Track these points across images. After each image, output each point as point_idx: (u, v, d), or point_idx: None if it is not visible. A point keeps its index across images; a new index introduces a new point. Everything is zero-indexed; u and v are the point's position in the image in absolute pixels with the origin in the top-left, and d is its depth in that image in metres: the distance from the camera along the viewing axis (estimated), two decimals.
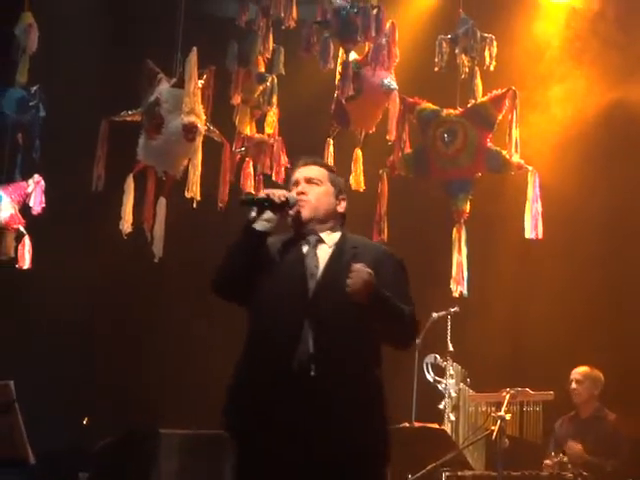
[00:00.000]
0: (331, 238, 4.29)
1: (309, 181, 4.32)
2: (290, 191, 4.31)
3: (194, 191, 7.15)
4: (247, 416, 4.10)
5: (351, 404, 4.03)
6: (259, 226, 4.18)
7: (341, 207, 4.36)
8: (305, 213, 4.27)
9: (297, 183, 4.34)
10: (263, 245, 4.21)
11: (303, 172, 4.36)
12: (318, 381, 4.02)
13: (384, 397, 4.17)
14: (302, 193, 4.28)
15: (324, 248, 4.26)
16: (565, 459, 6.86)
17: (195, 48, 7.10)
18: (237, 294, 4.28)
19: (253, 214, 4.20)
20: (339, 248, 4.25)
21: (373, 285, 4.01)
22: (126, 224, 7.33)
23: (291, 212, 4.25)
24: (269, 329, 4.13)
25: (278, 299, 4.14)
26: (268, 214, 4.20)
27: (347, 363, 4.08)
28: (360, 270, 4.02)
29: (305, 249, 4.25)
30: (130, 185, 7.38)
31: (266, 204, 4.19)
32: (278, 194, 4.21)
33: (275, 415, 4.01)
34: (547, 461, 6.97)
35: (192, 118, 7.11)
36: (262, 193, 4.29)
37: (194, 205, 7.18)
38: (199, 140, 7.17)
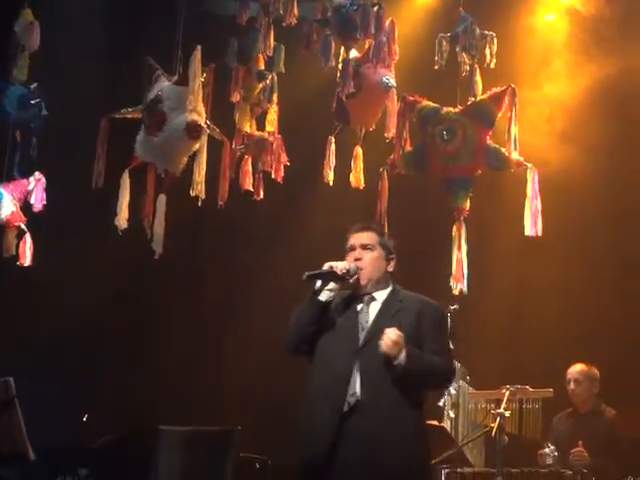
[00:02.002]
0: (381, 294, 4.99)
1: (364, 247, 5.00)
2: (346, 255, 5.00)
3: (199, 189, 7.17)
4: (307, 449, 4.78)
5: (391, 442, 4.67)
6: (324, 296, 4.89)
7: (390, 267, 5.06)
8: (363, 281, 4.95)
9: (353, 248, 5.02)
10: (327, 311, 4.90)
11: (358, 238, 5.04)
12: (363, 422, 4.68)
13: (424, 434, 4.87)
14: (359, 259, 4.95)
15: (375, 304, 4.97)
16: (554, 449, 6.87)
17: (199, 47, 7.13)
18: (307, 352, 4.94)
19: (318, 284, 4.87)
20: (387, 303, 4.96)
21: (401, 345, 4.70)
22: (122, 220, 7.34)
23: (351, 281, 4.93)
24: (326, 375, 4.80)
25: (334, 349, 4.84)
26: (332, 285, 4.90)
27: (388, 406, 4.72)
28: (391, 332, 4.71)
29: (360, 306, 4.96)
30: (126, 181, 7.39)
31: (330, 276, 4.86)
32: (340, 267, 4.88)
33: (327, 450, 4.67)
34: (541, 451, 6.97)
35: (196, 116, 7.13)
36: (326, 266, 4.91)
37: (199, 203, 7.22)
38: (204, 139, 7.20)
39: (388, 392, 4.74)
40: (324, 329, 4.90)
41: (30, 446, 5.45)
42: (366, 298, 4.97)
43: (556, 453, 6.94)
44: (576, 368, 7.29)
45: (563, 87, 7.80)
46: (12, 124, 7.57)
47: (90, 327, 8.68)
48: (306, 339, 4.91)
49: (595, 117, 7.79)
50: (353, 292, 4.99)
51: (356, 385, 4.75)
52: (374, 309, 4.95)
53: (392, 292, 5.02)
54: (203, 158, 7.22)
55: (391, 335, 4.72)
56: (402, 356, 4.70)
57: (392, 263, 5.06)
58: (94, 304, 8.70)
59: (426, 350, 4.85)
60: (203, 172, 7.22)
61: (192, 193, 7.20)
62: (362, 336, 4.86)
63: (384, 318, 4.88)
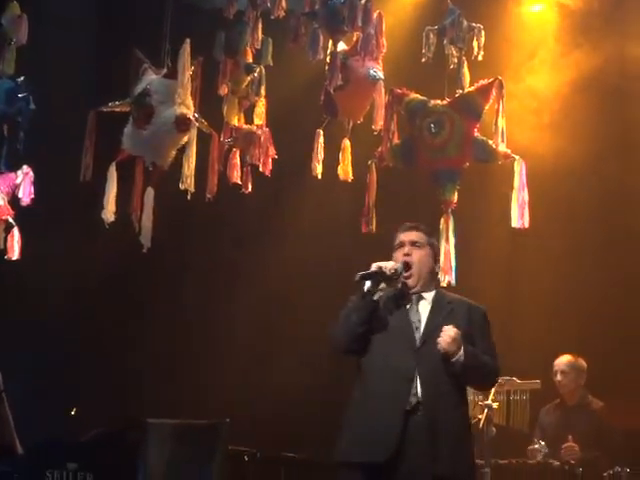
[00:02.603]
0: (429, 295, 5.09)
1: (413, 244, 5.11)
2: (395, 251, 5.09)
3: (188, 183, 7.15)
4: (378, 449, 4.77)
5: (448, 439, 4.78)
6: (375, 296, 4.94)
7: (438, 267, 5.26)
8: (412, 281, 5.05)
9: (402, 245, 5.11)
10: (377, 310, 4.96)
11: (408, 236, 5.14)
12: (424, 421, 4.78)
13: (471, 433, 5.06)
14: (408, 255, 5.05)
15: (424, 304, 5.06)
16: (543, 445, 6.90)
17: (188, 40, 7.10)
18: (362, 350, 4.98)
19: (367, 285, 4.92)
20: (437, 304, 5.05)
21: (459, 342, 4.82)
22: (109, 213, 7.32)
23: (399, 281, 5.01)
24: (386, 375, 4.86)
25: (390, 349, 4.90)
26: (382, 285, 4.94)
27: (446, 405, 4.84)
28: (449, 329, 4.83)
29: (409, 305, 5.04)
30: (113, 174, 7.36)
31: (379, 277, 4.91)
32: (389, 267, 4.94)
33: (389, 445, 4.74)
34: (531, 447, 7.00)
35: (185, 110, 7.12)
36: (374, 266, 4.94)
37: (188, 197, 7.22)
38: (193, 132, 7.18)
39: (445, 392, 4.86)
40: (374, 328, 4.95)
41: (18, 440, 5.45)
42: (414, 297, 5.06)
43: (546, 450, 6.97)
44: (563, 359, 7.31)
45: (550, 79, 7.81)
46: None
47: (77, 321, 8.67)
48: (357, 339, 4.94)
49: (582, 108, 7.80)
50: (400, 290, 5.07)
51: (417, 385, 4.83)
52: (424, 308, 5.04)
53: (438, 293, 5.14)
54: (192, 151, 7.20)
55: (450, 332, 4.82)
56: (460, 352, 4.81)
57: (438, 264, 5.27)
58: (82, 298, 8.70)
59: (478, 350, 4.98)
60: (192, 165, 7.19)
61: (181, 187, 7.18)
62: (418, 336, 4.95)
63: (437, 317, 4.98)
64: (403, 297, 5.06)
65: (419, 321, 4.98)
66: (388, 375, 4.86)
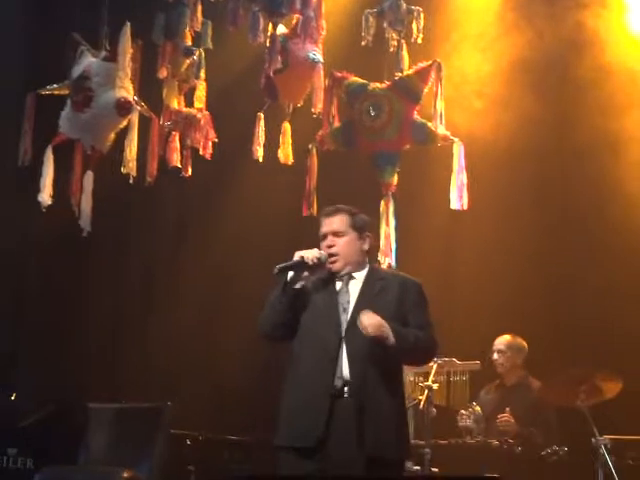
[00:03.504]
0: (360, 273, 5.02)
1: (335, 234, 5.01)
2: (320, 242, 5.01)
3: (130, 167, 7.14)
4: (296, 431, 4.83)
5: (377, 420, 4.76)
6: (298, 285, 4.89)
7: (366, 245, 5.08)
8: (337, 266, 4.98)
9: (325, 237, 5.03)
10: (300, 296, 4.91)
11: (329, 225, 5.04)
12: (352, 403, 4.76)
13: (405, 412, 5.02)
14: (331, 246, 4.98)
15: (355, 283, 5.00)
16: (477, 409, 6.97)
17: (129, 23, 7.09)
18: (285, 337, 4.99)
19: (291, 274, 4.88)
20: (367, 282, 4.99)
21: (384, 325, 4.75)
22: (45, 196, 7.28)
23: (324, 269, 4.95)
24: (313, 358, 4.85)
25: (316, 332, 4.88)
26: (304, 273, 4.90)
27: (376, 385, 4.80)
28: (364, 317, 4.76)
29: (339, 285, 4.99)
30: (49, 157, 7.33)
31: (301, 267, 4.87)
32: (311, 256, 4.89)
33: (318, 429, 4.74)
34: (462, 411, 7.04)
35: (125, 93, 7.09)
36: (296, 256, 4.90)
37: (130, 181, 7.19)
38: (135, 116, 7.16)
39: (373, 373, 4.81)
40: (302, 311, 4.93)
41: None
42: (345, 278, 5.00)
43: (479, 413, 7.01)
44: (501, 339, 7.37)
45: (490, 60, 7.81)
46: None
47: (18, 303, 8.61)
48: (280, 326, 4.95)
49: (522, 90, 7.85)
50: (330, 273, 5.02)
51: (343, 367, 4.81)
52: (354, 288, 4.98)
53: (370, 270, 5.06)
54: (134, 135, 7.19)
55: (364, 319, 4.76)
56: (390, 336, 4.75)
57: (367, 241, 5.08)
58: (22, 281, 8.63)
59: (411, 326, 4.92)
60: (135, 149, 7.19)
61: (123, 170, 7.17)
62: (345, 318, 4.90)
63: (366, 298, 4.93)
64: (333, 279, 5.01)
65: (348, 302, 4.95)
66: (315, 359, 4.84)
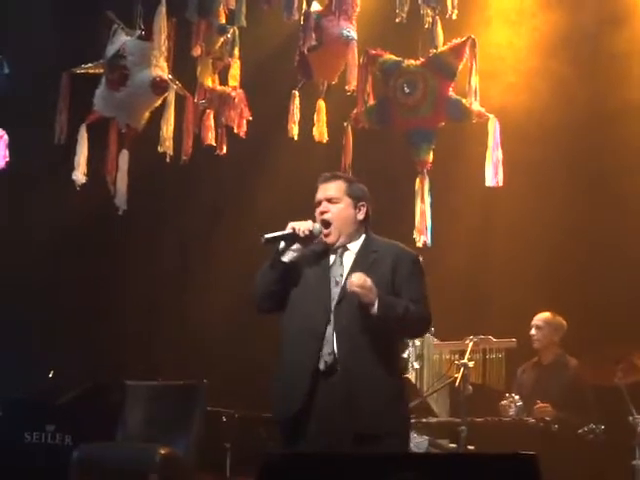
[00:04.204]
0: (355, 245, 4.86)
1: (329, 201, 4.83)
2: (315, 208, 4.83)
3: (167, 145, 7.16)
4: (286, 406, 4.74)
5: (368, 395, 4.63)
6: (287, 257, 4.77)
7: (361, 214, 4.87)
8: (331, 239, 4.81)
9: (319, 203, 4.86)
10: (292, 269, 4.77)
11: (324, 191, 4.87)
12: (343, 377, 4.63)
13: (401, 387, 4.83)
14: (324, 212, 4.81)
15: (349, 255, 4.84)
16: (517, 399, 6.97)
17: (164, 1, 7.09)
18: (275, 309, 4.85)
19: (282, 245, 4.74)
20: (361, 254, 4.82)
21: (373, 289, 4.58)
22: (80, 174, 7.32)
23: (316, 241, 4.79)
24: (298, 332, 4.72)
25: (306, 306, 4.74)
26: (296, 245, 4.75)
27: (366, 362, 4.65)
28: (356, 276, 4.61)
29: (332, 258, 4.83)
30: (83, 135, 7.36)
31: (291, 238, 4.73)
32: (303, 228, 4.73)
33: (308, 405, 4.63)
34: (502, 402, 7.05)
35: (160, 72, 7.10)
36: (288, 227, 4.75)
37: (167, 159, 7.21)
38: (172, 94, 7.18)
39: (364, 347, 4.67)
40: (293, 283, 4.80)
41: None
42: (339, 250, 4.84)
43: (519, 403, 7.02)
44: (540, 315, 7.35)
45: (526, 36, 7.79)
46: None
47: (55, 282, 8.67)
48: (270, 297, 4.82)
49: (558, 66, 7.79)
50: (323, 245, 4.84)
51: (333, 343, 4.66)
52: (348, 261, 4.81)
53: (365, 241, 4.87)
54: (171, 114, 7.22)
55: (354, 277, 4.62)
56: (375, 303, 4.58)
57: (363, 210, 4.86)
58: (58, 260, 8.69)
59: (405, 298, 4.73)
60: (171, 128, 7.22)
61: (160, 149, 7.20)
62: (336, 291, 4.74)
63: (360, 269, 4.72)
64: (327, 253, 4.84)
65: (341, 275, 4.78)
66: (303, 334, 4.71)
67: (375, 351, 4.68)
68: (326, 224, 4.82)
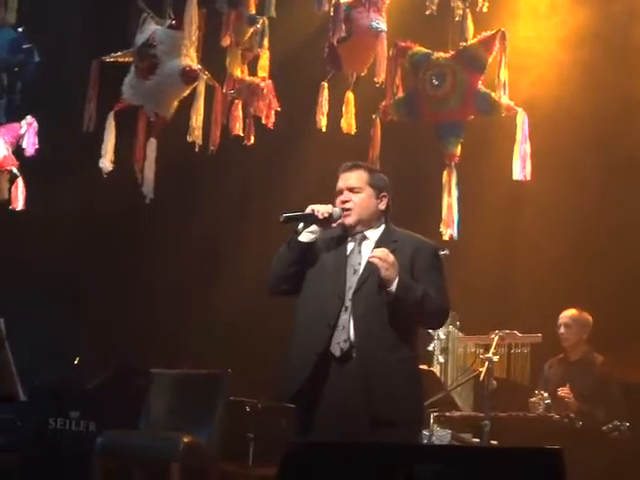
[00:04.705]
0: (374, 234, 4.82)
1: (351, 190, 4.80)
2: (335, 197, 4.80)
3: (196, 135, 7.18)
4: (287, 387, 4.76)
5: (384, 381, 4.59)
6: (305, 238, 4.73)
7: (382, 205, 4.83)
8: (350, 221, 4.77)
9: (341, 192, 4.82)
10: (309, 251, 4.75)
11: (345, 180, 4.84)
12: (359, 364, 4.60)
13: (418, 377, 4.79)
14: (346, 201, 4.78)
15: (368, 244, 4.79)
16: (546, 396, 6.94)
17: None
18: (290, 291, 4.82)
19: (300, 226, 4.72)
20: (380, 242, 4.75)
21: (395, 266, 4.55)
22: (107, 162, 7.34)
23: (334, 225, 4.77)
24: (312, 318, 4.69)
25: (321, 291, 4.70)
26: (313, 227, 4.73)
27: (383, 351, 4.61)
28: (380, 250, 4.59)
29: (351, 246, 4.80)
30: (111, 123, 7.38)
31: (310, 219, 4.71)
32: (322, 210, 4.71)
33: (321, 392, 4.62)
34: (532, 399, 7.03)
35: (190, 61, 7.12)
36: (308, 209, 4.73)
37: (196, 149, 7.23)
38: (202, 84, 7.19)
39: (382, 336, 4.63)
40: (310, 268, 4.77)
41: (20, 387, 5.49)
42: (358, 237, 4.80)
43: (548, 401, 6.99)
44: (567, 313, 7.31)
45: (555, 30, 7.74)
46: (3, 68, 7.53)
47: (81, 270, 8.72)
48: (286, 279, 4.79)
49: (587, 59, 7.74)
50: (343, 231, 4.82)
51: (350, 331, 4.63)
52: (366, 249, 4.76)
53: (385, 231, 4.83)
54: (200, 104, 7.23)
55: (377, 251, 4.61)
56: (394, 281, 4.56)
57: (384, 201, 4.84)
58: (85, 247, 8.73)
59: None
60: (200, 117, 7.23)
61: (189, 139, 7.21)
62: (355, 279, 4.70)
63: None
64: (345, 240, 4.82)
65: (359, 264, 4.74)
66: (314, 318, 4.68)
67: (392, 338, 4.65)
68: (347, 212, 4.80)
